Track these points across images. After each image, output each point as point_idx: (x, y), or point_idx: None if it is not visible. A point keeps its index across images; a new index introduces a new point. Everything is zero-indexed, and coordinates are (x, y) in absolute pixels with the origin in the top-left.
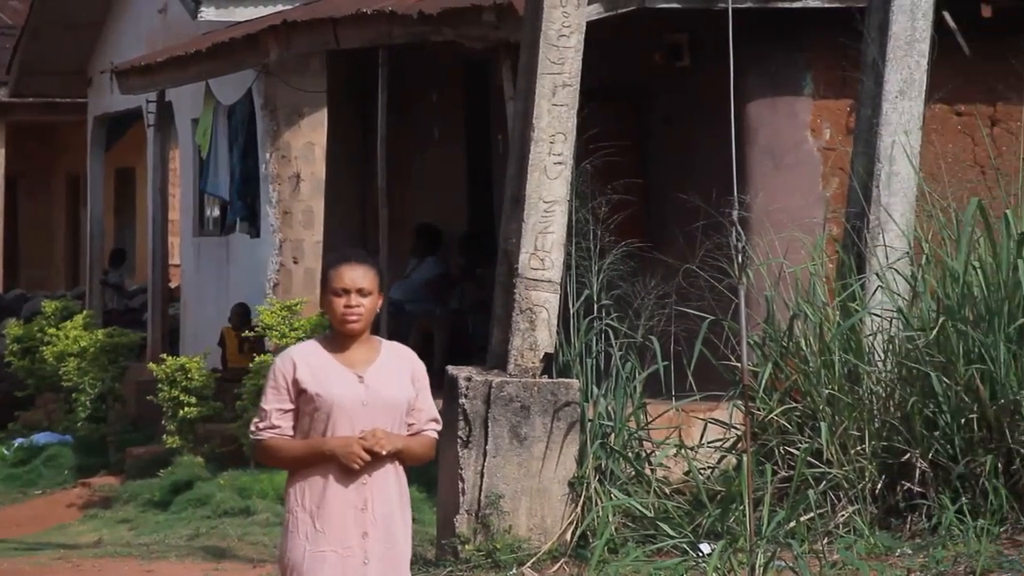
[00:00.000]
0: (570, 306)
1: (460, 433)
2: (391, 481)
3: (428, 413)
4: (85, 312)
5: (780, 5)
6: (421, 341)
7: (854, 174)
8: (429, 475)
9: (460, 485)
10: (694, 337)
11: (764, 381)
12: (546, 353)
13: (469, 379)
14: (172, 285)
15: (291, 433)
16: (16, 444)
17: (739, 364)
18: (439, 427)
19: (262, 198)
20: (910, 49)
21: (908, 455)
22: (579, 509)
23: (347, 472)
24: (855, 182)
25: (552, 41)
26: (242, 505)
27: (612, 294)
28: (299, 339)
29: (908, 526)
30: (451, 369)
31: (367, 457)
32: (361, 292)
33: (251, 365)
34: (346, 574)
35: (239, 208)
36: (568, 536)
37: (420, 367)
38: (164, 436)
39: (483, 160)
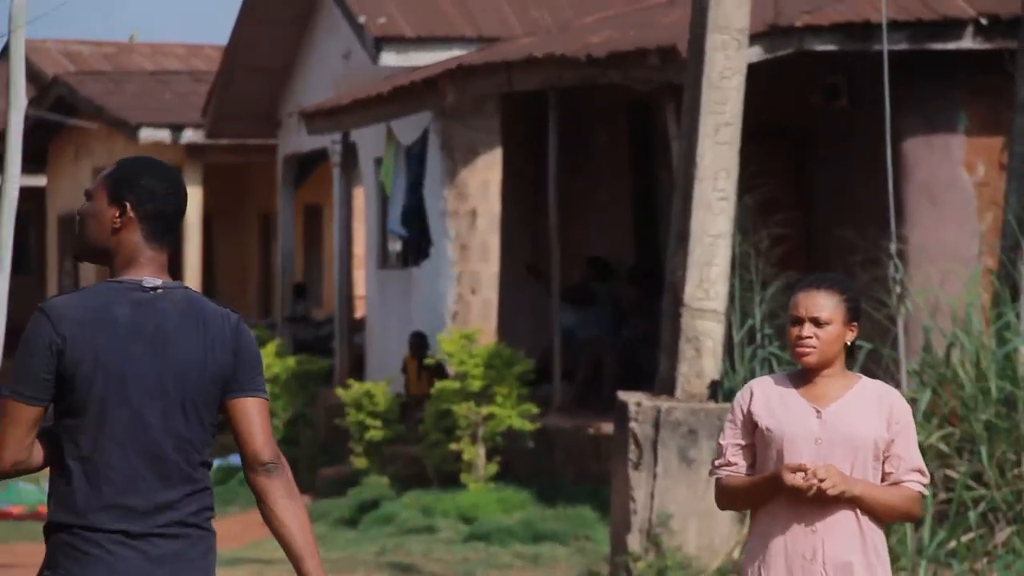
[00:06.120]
0: (734, 335)
1: (631, 456)
2: (851, 532)
3: (910, 462)
4: (277, 341)
5: (934, 47)
6: (591, 368)
7: (1008, 208)
8: (601, 496)
9: (631, 505)
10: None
11: (923, 407)
12: (712, 380)
13: (639, 404)
14: (357, 315)
15: (747, 472)
16: (215, 465)
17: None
18: (925, 480)
19: (437, 232)
20: None
21: None
22: (745, 530)
23: (795, 516)
24: (1009, 216)
25: (715, 83)
26: (425, 524)
27: (775, 324)
28: (476, 366)
29: None
30: (621, 394)
31: (800, 482)
32: (816, 321)
33: (432, 391)
34: None
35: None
36: (736, 554)
37: (903, 409)
38: (352, 458)
39: (648, 197)
